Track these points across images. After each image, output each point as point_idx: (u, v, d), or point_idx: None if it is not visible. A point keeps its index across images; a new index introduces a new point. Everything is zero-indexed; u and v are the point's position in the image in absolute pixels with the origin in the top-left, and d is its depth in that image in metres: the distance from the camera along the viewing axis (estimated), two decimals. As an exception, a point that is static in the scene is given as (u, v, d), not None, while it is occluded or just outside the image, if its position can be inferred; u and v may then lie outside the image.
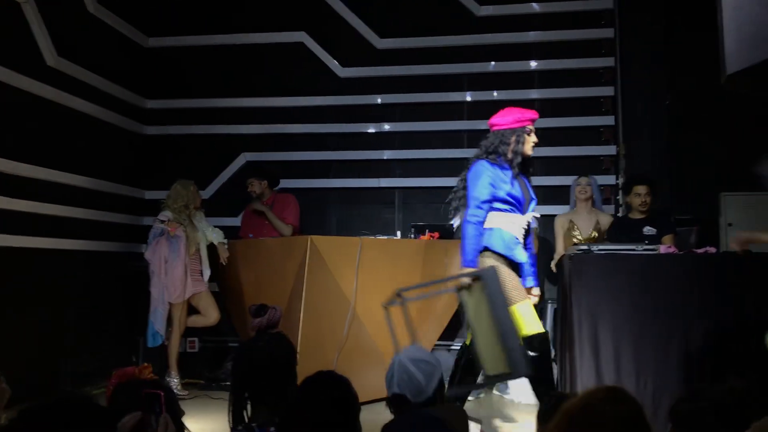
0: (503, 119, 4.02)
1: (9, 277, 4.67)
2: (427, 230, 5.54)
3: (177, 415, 1.90)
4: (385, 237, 5.53)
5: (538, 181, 6.08)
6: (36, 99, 5.08)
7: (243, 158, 6.58)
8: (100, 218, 5.71)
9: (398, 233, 6.10)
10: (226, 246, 5.48)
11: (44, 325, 5.01)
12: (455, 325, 5.86)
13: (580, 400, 1.56)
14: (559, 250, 5.43)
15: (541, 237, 5.65)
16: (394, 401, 2.22)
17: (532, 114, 4.03)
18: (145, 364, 2.27)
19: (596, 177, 5.67)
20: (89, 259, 5.51)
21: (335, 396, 1.86)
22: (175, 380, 5.25)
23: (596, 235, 5.31)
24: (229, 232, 5.80)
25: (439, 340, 5.63)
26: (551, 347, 5.13)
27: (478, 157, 3.97)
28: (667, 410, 1.90)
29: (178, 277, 5.25)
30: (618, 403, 1.53)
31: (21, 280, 4.80)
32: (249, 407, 2.11)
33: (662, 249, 4.14)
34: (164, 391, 1.79)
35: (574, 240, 5.33)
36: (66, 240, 5.25)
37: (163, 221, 5.35)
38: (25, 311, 4.82)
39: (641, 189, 5.00)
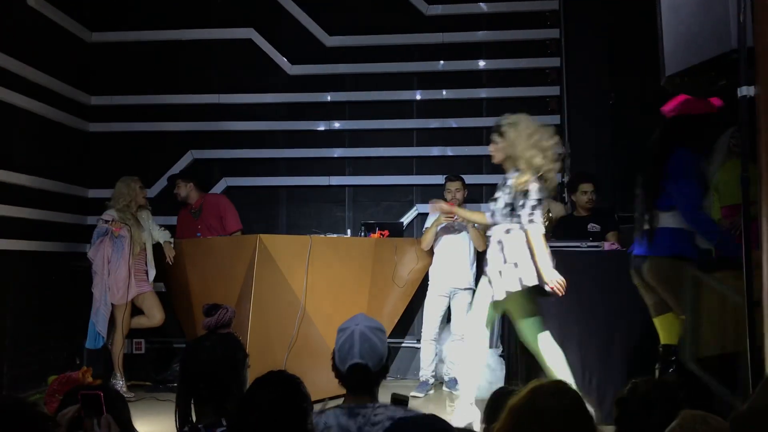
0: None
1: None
2: (377, 228, 5.56)
3: (122, 416, 1.87)
4: (336, 235, 5.53)
5: (485, 178, 6.20)
6: (-27, 94, 4.92)
7: (190, 155, 6.47)
8: (42, 217, 5.54)
9: (348, 231, 6.09)
10: (172, 245, 5.40)
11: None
12: (404, 323, 5.90)
13: (524, 397, 1.59)
14: None
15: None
16: (356, 372, 2.16)
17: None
18: (86, 368, 2.24)
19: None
20: (30, 259, 5.35)
21: (285, 396, 1.84)
22: (121, 382, 5.16)
23: (547, 222, 5.40)
24: (175, 231, 5.73)
25: (389, 337, 5.65)
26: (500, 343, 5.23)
27: None
28: (611, 402, 1.98)
29: (121, 277, 5.16)
30: (561, 397, 1.58)
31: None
32: (195, 408, 2.08)
33: (606, 246, 4.25)
34: (104, 392, 1.76)
35: None
36: (5, 240, 5.09)
37: (107, 221, 5.24)
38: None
39: (587, 186, 5.12)
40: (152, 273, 5.39)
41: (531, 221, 3.72)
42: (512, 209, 3.81)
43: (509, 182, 3.88)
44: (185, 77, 6.55)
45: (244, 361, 2.18)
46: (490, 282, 3.81)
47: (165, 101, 6.53)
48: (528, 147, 3.79)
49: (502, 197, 3.89)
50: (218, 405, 2.05)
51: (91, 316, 5.19)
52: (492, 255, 3.81)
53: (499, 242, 3.80)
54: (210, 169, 6.28)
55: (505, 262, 3.74)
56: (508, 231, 3.80)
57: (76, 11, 6.20)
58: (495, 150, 4.00)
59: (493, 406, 2.26)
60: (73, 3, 6.13)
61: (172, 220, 5.95)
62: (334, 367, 2.24)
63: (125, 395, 4.92)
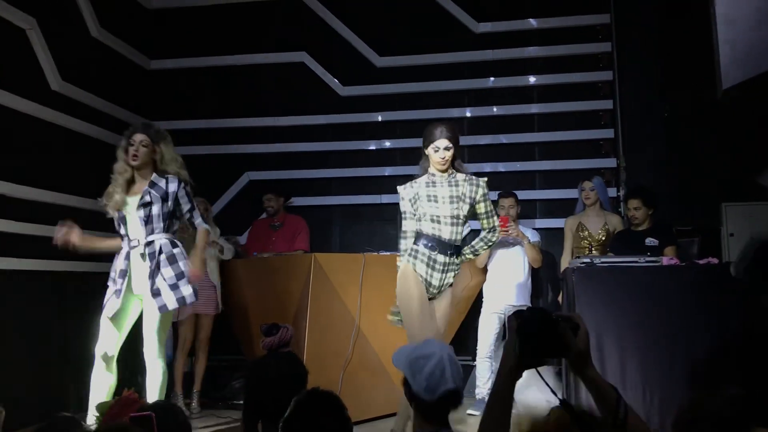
0: None
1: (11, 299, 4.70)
2: (429, 245, 5.56)
3: None
4: (388, 253, 5.55)
5: (540, 194, 6.17)
6: (41, 123, 5.14)
7: (246, 177, 6.62)
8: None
9: (401, 249, 6.11)
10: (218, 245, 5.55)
11: (47, 349, 5.04)
12: (458, 341, 5.88)
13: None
14: (567, 252, 5.46)
15: (544, 250, 5.67)
16: (451, 398, 2.11)
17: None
18: (130, 391, 2.33)
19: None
20: (95, 279, 5.51)
21: (325, 414, 1.85)
22: (180, 400, 5.27)
23: (605, 236, 5.34)
24: (246, 241, 5.91)
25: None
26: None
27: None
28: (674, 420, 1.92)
29: None
30: None
31: (31, 301, 4.83)
32: (260, 426, 2.12)
33: (665, 261, 4.17)
34: (157, 412, 1.81)
35: (584, 243, 5.36)
36: (74, 262, 5.27)
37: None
38: (27, 334, 4.85)
39: (633, 203, 5.05)
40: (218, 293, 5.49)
41: None
42: None
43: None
44: (240, 101, 6.72)
45: (306, 379, 2.21)
46: None
47: (221, 125, 6.70)
48: None
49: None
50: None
51: None
52: None
53: None
54: (265, 190, 6.40)
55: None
56: None
57: (136, 40, 6.44)
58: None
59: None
60: (133, 32, 6.37)
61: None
62: (414, 397, 2.14)
63: (195, 412, 5.14)
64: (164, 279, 3.84)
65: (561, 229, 5.61)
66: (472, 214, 3.93)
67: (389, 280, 5.00)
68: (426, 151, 3.91)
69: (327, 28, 6.61)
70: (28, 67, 5.07)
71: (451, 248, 3.82)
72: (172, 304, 3.84)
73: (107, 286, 3.95)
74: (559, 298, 5.04)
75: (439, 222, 3.81)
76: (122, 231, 3.93)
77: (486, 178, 3.95)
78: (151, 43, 6.69)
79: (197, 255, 4.04)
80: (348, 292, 4.80)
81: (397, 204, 6.40)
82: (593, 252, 5.24)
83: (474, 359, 5.55)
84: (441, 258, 3.80)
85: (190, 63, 6.77)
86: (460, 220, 3.83)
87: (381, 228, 6.47)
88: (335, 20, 6.62)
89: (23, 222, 4.85)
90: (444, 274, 3.84)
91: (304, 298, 4.70)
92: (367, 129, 6.60)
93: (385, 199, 6.46)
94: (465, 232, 3.96)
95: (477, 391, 5.36)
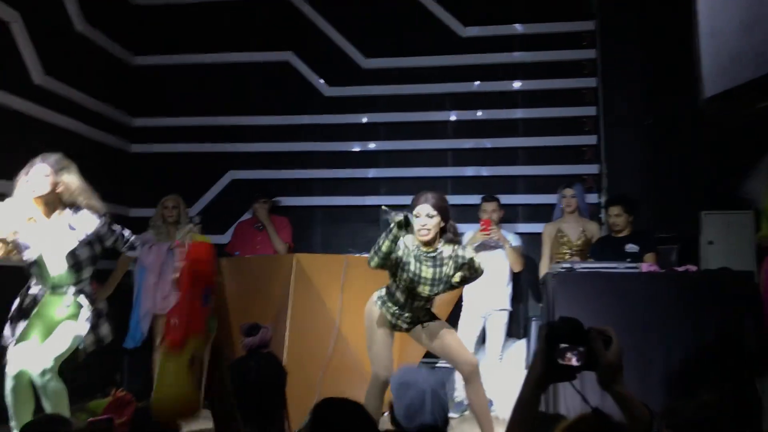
0: None
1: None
2: (412, 248, 5.57)
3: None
4: (371, 255, 5.55)
5: (523, 199, 6.20)
6: (23, 117, 5.09)
7: (229, 176, 6.59)
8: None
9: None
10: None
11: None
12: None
13: None
14: (546, 258, 5.49)
15: (525, 255, 5.69)
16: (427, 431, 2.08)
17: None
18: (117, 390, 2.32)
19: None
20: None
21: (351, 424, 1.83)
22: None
23: (582, 241, 5.38)
24: (215, 250, 5.82)
25: (424, 357, 5.65)
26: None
27: None
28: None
29: (165, 289, 5.33)
30: None
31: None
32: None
33: (644, 267, 4.21)
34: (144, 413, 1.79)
35: (563, 248, 5.40)
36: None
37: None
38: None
39: (613, 210, 5.10)
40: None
41: None
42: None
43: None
44: (225, 99, 6.69)
45: (285, 381, 2.21)
46: None
47: (205, 123, 6.67)
48: None
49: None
50: (261, 424, 2.08)
51: (134, 317, 5.42)
52: None
53: None
54: (248, 189, 6.37)
55: None
56: None
57: (120, 36, 6.40)
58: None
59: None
60: (117, 28, 6.33)
61: (212, 239, 6.03)
62: (394, 422, 2.15)
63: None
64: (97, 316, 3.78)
65: (542, 234, 5.65)
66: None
67: (371, 282, 4.99)
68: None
69: (313, 29, 6.60)
70: (11, 60, 5.01)
71: (421, 313, 3.88)
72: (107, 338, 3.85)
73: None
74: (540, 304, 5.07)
75: (413, 298, 3.81)
76: (33, 271, 3.70)
77: (472, 252, 3.81)
78: (135, 39, 6.64)
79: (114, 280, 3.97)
80: (329, 293, 4.79)
81: (380, 206, 6.45)
82: (573, 258, 5.27)
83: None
84: (408, 316, 3.86)
85: (175, 60, 6.73)
86: (435, 296, 3.88)
87: (363, 229, 6.46)
88: (322, 21, 6.61)
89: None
90: (412, 324, 3.91)
91: (285, 299, 4.68)
92: (352, 130, 6.59)
93: (369, 200, 6.46)
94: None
95: (456, 393, 5.37)
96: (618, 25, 6.13)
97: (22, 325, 3.62)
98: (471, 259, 3.74)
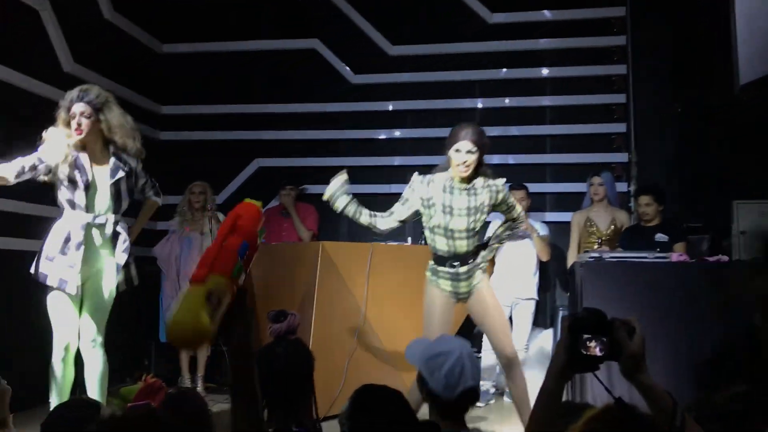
0: None
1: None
2: (438, 236, 5.55)
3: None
4: (396, 243, 5.54)
5: (550, 188, 6.14)
6: (53, 105, 5.13)
7: (256, 164, 6.62)
8: (114, 223, 5.75)
9: (409, 239, 6.10)
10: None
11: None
12: (464, 333, 5.86)
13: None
14: (574, 247, 5.44)
15: (553, 244, 5.64)
16: (471, 396, 2.08)
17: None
18: (147, 375, 2.34)
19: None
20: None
21: (389, 408, 1.82)
22: (188, 384, 5.31)
23: (613, 231, 5.32)
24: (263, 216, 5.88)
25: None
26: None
27: None
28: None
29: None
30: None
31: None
32: (266, 413, 2.12)
33: (674, 257, 4.15)
34: (177, 399, 1.80)
35: (591, 237, 5.34)
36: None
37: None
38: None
39: (643, 199, 5.03)
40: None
41: None
42: None
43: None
44: (251, 87, 6.71)
45: (313, 367, 2.21)
46: None
47: (232, 110, 6.69)
48: None
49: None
50: (289, 410, 2.09)
51: (160, 312, 5.46)
52: None
53: None
54: (274, 177, 6.39)
55: None
56: None
57: (148, 23, 6.43)
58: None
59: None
60: (146, 15, 6.36)
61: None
62: (431, 394, 2.11)
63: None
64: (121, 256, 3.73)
65: (570, 223, 5.59)
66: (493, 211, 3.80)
67: (396, 270, 5.01)
68: (448, 153, 3.64)
69: (340, 16, 6.58)
70: (41, 48, 5.07)
71: (470, 256, 3.70)
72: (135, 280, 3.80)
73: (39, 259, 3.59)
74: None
75: (453, 238, 3.64)
76: (77, 199, 3.59)
77: (504, 180, 3.75)
78: (163, 27, 6.68)
79: (139, 225, 3.97)
80: (355, 281, 4.80)
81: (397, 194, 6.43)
82: (602, 247, 5.21)
83: (479, 351, 5.54)
84: (463, 269, 3.69)
85: (202, 48, 6.76)
86: (476, 231, 3.69)
87: (389, 218, 6.45)
88: (348, 7, 6.59)
89: (35, 203, 4.86)
90: (469, 280, 3.73)
91: (311, 286, 4.70)
92: (378, 118, 6.58)
93: (394, 188, 6.42)
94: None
95: (481, 383, 5.34)
96: (649, 10, 6.03)
97: (64, 260, 3.53)
98: (504, 193, 3.68)
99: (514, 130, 6.32)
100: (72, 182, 3.56)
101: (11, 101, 4.77)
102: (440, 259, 3.72)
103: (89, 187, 3.60)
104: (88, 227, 3.59)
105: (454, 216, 3.62)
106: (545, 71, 6.32)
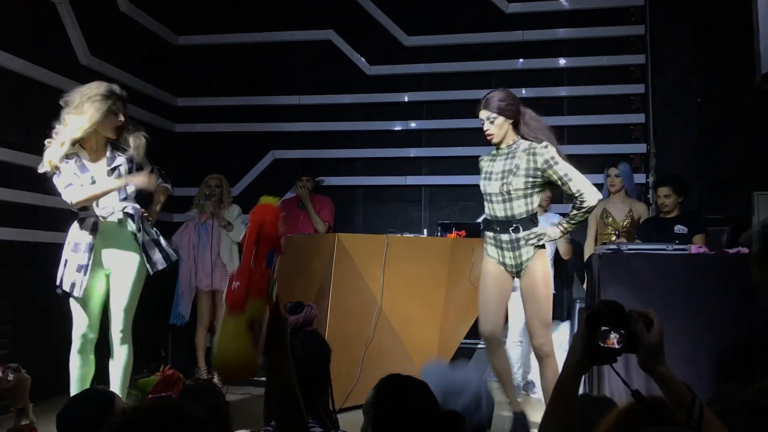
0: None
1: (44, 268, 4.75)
2: (453, 228, 5.53)
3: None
4: (412, 235, 5.53)
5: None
6: (69, 97, 5.16)
7: (271, 155, 6.62)
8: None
9: (425, 231, 6.09)
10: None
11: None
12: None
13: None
14: (591, 239, 5.38)
15: (571, 237, 5.59)
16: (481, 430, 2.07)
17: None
18: (167, 369, 2.35)
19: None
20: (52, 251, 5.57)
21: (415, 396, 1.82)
22: (205, 376, 5.33)
23: (629, 223, 5.27)
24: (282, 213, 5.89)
25: (465, 339, 5.61)
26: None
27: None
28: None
29: (206, 265, 5.38)
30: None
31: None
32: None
33: (693, 249, 4.09)
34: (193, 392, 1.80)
35: (608, 229, 5.29)
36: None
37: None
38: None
39: (662, 191, 4.97)
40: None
41: None
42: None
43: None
44: (267, 79, 6.70)
45: (330, 358, 2.21)
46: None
47: (247, 102, 6.70)
48: None
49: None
50: (306, 401, 2.08)
51: (175, 296, 5.52)
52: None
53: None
54: (290, 168, 6.39)
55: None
56: None
57: (164, 16, 6.44)
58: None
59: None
60: (161, 8, 6.37)
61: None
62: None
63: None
64: (152, 240, 3.76)
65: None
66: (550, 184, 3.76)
67: (412, 262, 4.99)
68: None
69: (355, 6, 6.55)
70: (58, 41, 5.09)
71: (511, 224, 3.68)
72: (161, 263, 3.78)
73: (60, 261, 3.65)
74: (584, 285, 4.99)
75: (491, 201, 3.74)
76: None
77: (546, 143, 3.66)
78: (178, 19, 6.68)
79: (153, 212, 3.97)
80: (371, 273, 4.79)
81: (421, 186, 6.42)
82: (620, 239, 5.16)
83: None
84: (505, 237, 3.71)
85: (218, 40, 6.76)
86: (513, 195, 3.66)
87: (405, 209, 6.45)
88: (364, -2, 6.56)
89: (55, 196, 4.89)
90: (515, 252, 3.71)
91: (327, 278, 4.70)
92: (394, 109, 6.55)
93: (410, 180, 6.43)
94: (534, 206, 3.73)
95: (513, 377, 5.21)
96: (668, -1, 5.95)
97: (74, 263, 3.56)
98: (546, 157, 3.59)
99: (530, 121, 6.25)
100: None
101: (29, 93, 4.80)
102: (486, 223, 3.83)
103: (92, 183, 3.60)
104: (94, 225, 3.62)
105: (492, 181, 3.72)
106: (563, 61, 6.26)
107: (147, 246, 3.74)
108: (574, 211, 3.73)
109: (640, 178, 5.85)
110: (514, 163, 3.67)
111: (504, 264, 3.78)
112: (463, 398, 2.06)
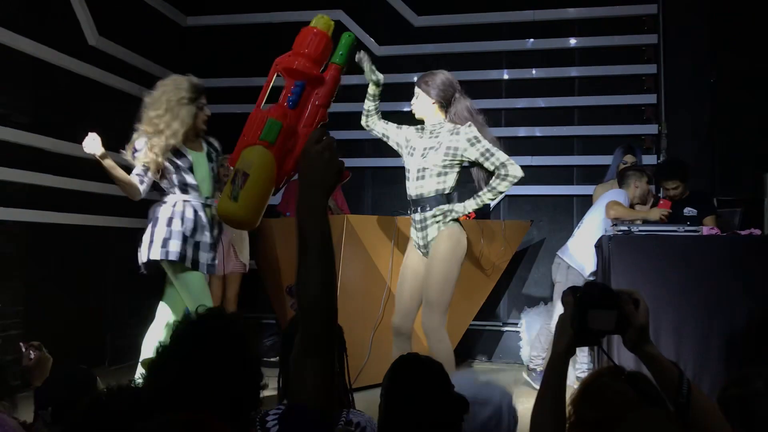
0: None
1: (55, 252, 4.78)
2: (463, 210, 5.50)
3: None
4: (421, 216, 5.51)
5: (578, 160, 6.04)
6: (78, 78, 5.16)
7: (280, 137, 6.60)
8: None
9: (434, 212, 6.07)
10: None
11: (86, 299, 5.14)
12: (489, 307, 5.85)
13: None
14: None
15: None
16: None
17: None
18: None
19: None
20: (127, 234, 5.59)
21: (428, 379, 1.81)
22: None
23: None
24: (267, 211, 5.86)
25: (474, 321, 5.62)
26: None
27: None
28: (708, 391, 1.86)
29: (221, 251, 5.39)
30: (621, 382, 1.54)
31: (64, 255, 4.91)
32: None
33: (705, 230, 4.07)
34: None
35: None
36: (104, 217, 5.35)
37: None
38: (66, 286, 4.94)
39: (670, 184, 4.87)
40: (246, 256, 5.53)
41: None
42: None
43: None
44: (276, 59, 6.64)
45: (342, 338, 2.21)
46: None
47: (256, 83, 6.65)
48: None
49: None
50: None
51: None
52: None
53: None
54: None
55: None
56: None
57: (172, -4, 6.41)
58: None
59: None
60: (170, -12, 6.33)
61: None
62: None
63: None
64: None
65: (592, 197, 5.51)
66: (473, 165, 3.72)
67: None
68: None
69: (364, -14, 6.50)
70: (66, 22, 5.07)
71: (420, 204, 3.68)
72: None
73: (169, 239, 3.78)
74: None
75: (408, 179, 3.76)
76: (189, 179, 3.87)
77: (470, 124, 3.67)
78: (187, -1, 6.65)
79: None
80: (380, 254, 4.79)
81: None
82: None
83: (504, 325, 5.52)
84: (417, 216, 3.70)
85: (226, 20, 6.72)
86: (427, 173, 3.65)
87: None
88: (373, -22, 6.50)
89: (63, 177, 4.91)
90: (423, 231, 3.68)
91: (336, 260, 4.69)
92: (403, 90, 6.48)
93: (419, 161, 6.39)
94: (447, 185, 3.68)
95: (539, 361, 5.14)
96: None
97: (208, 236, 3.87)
98: (468, 136, 3.60)
99: (541, 102, 6.22)
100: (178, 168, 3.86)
101: (38, 74, 4.80)
102: (408, 205, 3.81)
103: (193, 170, 3.91)
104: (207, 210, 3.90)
105: (413, 157, 3.75)
106: (573, 41, 6.20)
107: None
108: (498, 181, 3.63)
109: (651, 159, 5.80)
110: (437, 141, 3.70)
111: (419, 246, 3.73)
112: (484, 414, 2.02)
